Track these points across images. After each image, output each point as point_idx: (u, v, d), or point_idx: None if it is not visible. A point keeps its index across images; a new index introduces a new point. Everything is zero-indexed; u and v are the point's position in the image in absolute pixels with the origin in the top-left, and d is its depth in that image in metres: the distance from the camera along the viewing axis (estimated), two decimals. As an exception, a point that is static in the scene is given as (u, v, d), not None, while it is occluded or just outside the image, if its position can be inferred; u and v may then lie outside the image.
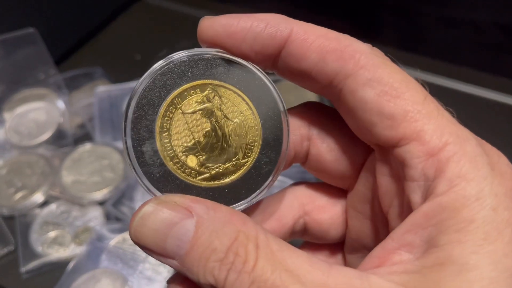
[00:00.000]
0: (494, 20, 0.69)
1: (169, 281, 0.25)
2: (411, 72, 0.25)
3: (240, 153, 0.25)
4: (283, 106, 0.25)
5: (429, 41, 0.75)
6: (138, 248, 0.24)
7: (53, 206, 0.59)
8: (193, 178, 0.25)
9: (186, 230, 0.22)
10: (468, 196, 0.21)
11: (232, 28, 0.25)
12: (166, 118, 0.24)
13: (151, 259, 0.50)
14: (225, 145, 0.25)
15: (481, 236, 0.21)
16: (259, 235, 0.22)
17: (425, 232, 0.22)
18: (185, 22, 0.84)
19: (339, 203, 0.30)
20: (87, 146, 0.62)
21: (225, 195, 0.25)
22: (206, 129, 0.25)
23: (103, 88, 0.69)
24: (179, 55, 0.24)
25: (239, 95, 0.25)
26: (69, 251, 0.54)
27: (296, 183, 0.32)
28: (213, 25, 0.25)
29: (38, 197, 0.59)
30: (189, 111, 0.25)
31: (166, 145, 0.24)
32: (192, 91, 0.25)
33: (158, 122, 0.24)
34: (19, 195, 0.59)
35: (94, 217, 0.57)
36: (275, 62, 0.26)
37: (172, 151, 0.24)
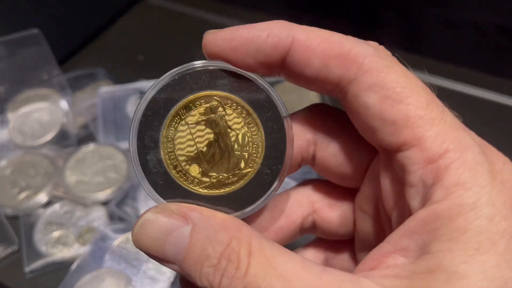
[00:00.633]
0: (495, 21, 0.69)
1: (181, 281, 0.27)
2: (419, 75, 0.25)
3: (242, 163, 0.26)
4: (287, 117, 0.26)
5: (430, 42, 0.75)
6: (141, 249, 0.25)
7: (56, 206, 0.59)
8: (195, 186, 0.25)
9: (182, 237, 0.23)
10: (464, 205, 0.21)
11: (234, 41, 0.25)
12: (171, 128, 0.25)
13: (154, 259, 0.50)
14: (227, 155, 0.26)
15: (474, 246, 0.21)
16: (252, 241, 0.23)
17: (420, 238, 0.22)
18: (188, 23, 0.84)
19: (348, 201, 0.31)
20: (90, 146, 0.63)
21: (226, 204, 0.26)
22: (210, 139, 0.25)
23: (106, 89, 0.69)
24: (185, 67, 0.25)
25: (243, 106, 0.25)
26: (73, 251, 0.55)
27: (305, 181, 0.32)
28: (216, 40, 0.25)
29: (42, 197, 0.59)
30: (193, 121, 0.25)
31: (170, 154, 0.25)
32: (197, 103, 0.25)
33: (163, 132, 0.25)
34: (23, 195, 0.59)
35: (98, 217, 0.57)
36: (280, 69, 0.26)
37: (175, 160, 0.25)
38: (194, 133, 0.25)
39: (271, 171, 0.26)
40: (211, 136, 0.25)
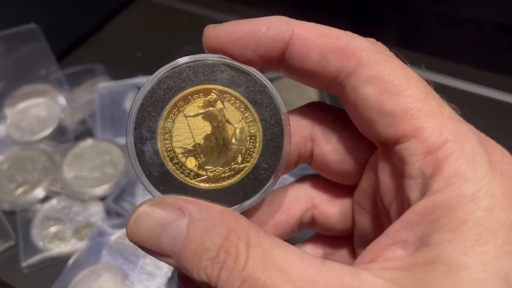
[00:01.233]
0: (495, 19, 0.69)
1: (179, 277, 0.26)
2: (418, 71, 0.25)
3: (239, 157, 0.26)
4: (285, 113, 0.26)
5: (430, 39, 0.75)
6: (138, 244, 0.25)
7: (54, 202, 0.59)
8: (191, 179, 0.25)
9: (179, 230, 0.23)
10: (464, 195, 0.21)
11: (235, 35, 0.25)
12: (169, 120, 0.25)
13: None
14: (224, 149, 0.26)
15: (474, 237, 0.21)
16: (250, 233, 0.22)
17: (419, 230, 0.22)
18: (186, 19, 0.84)
19: (346, 197, 0.31)
20: (88, 142, 0.63)
21: (222, 198, 0.25)
22: (207, 133, 0.25)
23: (104, 85, 0.69)
24: (185, 59, 0.25)
25: (242, 101, 0.25)
26: (70, 246, 0.55)
27: (304, 177, 0.32)
28: (217, 33, 0.25)
29: (39, 192, 0.59)
30: (192, 114, 0.25)
31: (166, 145, 0.25)
32: (195, 95, 0.25)
33: (160, 123, 0.25)
34: (20, 190, 0.59)
35: (95, 212, 0.57)
36: (279, 64, 0.26)
37: (172, 152, 0.25)
38: (192, 125, 0.25)
39: (268, 166, 0.26)
40: (209, 129, 0.25)
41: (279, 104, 0.26)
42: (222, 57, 0.25)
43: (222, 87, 0.25)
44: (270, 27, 0.25)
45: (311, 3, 0.76)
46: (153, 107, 0.25)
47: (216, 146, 0.25)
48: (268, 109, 0.26)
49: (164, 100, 0.25)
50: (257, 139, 0.26)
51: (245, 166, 0.26)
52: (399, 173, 0.24)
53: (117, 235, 0.53)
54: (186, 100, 0.25)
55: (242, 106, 0.25)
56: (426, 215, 0.22)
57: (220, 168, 0.26)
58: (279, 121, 0.26)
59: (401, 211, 0.24)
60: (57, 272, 0.51)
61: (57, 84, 0.69)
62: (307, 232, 0.33)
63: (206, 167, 0.25)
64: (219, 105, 0.25)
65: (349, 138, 0.28)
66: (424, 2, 0.73)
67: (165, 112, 0.25)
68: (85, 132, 0.66)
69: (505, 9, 0.68)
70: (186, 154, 0.25)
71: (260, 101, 0.26)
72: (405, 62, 0.25)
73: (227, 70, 0.25)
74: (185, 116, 0.25)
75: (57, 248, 0.54)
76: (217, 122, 0.25)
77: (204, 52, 0.26)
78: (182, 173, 0.25)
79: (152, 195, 0.25)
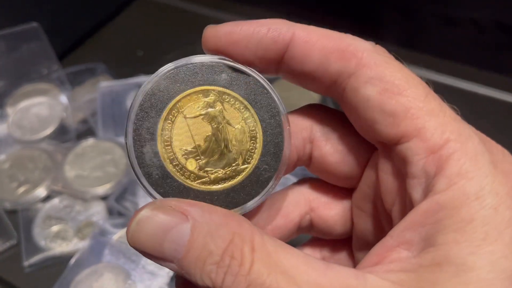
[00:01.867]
0: (495, 18, 0.69)
1: (177, 284, 0.26)
2: (418, 71, 0.25)
3: (240, 159, 0.25)
4: (285, 113, 0.26)
5: (430, 39, 0.75)
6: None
7: (56, 201, 0.59)
8: (192, 181, 0.25)
9: (182, 234, 0.22)
10: (468, 194, 0.21)
11: (235, 35, 0.25)
12: (168, 121, 0.25)
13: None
14: (225, 151, 0.25)
15: (480, 236, 0.21)
16: (254, 236, 0.22)
17: (423, 230, 0.22)
18: (187, 18, 0.84)
19: (345, 200, 0.31)
20: (89, 141, 0.63)
21: (223, 200, 0.25)
22: (207, 134, 0.25)
23: (106, 84, 0.69)
24: (184, 61, 0.25)
25: (241, 102, 0.25)
26: (72, 245, 0.55)
27: (303, 180, 0.32)
28: (217, 34, 0.25)
29: (41, 191, 0.59)
30: (191, 115, 0.25)
31: (166, 147, 0.25)
32: (195, 96, 0.25)
33: (160, 125, 0.25)
34: (21, 189, 0.59)
35: (97, 211, 0.57)
36: (279, 66, 0.26)
37: (172, 153, 0.25)
38: (192, 127, 0.25)
39: (269, 167, 0.26)
40: (209, 130, 0.25)
41: (279, 105, 0.26)
42: (222, 58, 0.25)
43: (222, 88, 0.25)
44: (270, 28, 0.25)
45: (312, 2, 0.76)
46: (152, 108, 0.25)
47: (216, 147, 0.25)
48: (268, 110, 0.26)
49: (163, 101, 0.25)
50: (258, 140, 0.25)
51: (246, 168, 0.25)
52: (401, 174, 0.24)
53: (119, 235, 0.53)
54: (186, 101, 0.25)
55: (242, 107, 0.25)
56: (430, 216, 0.22)
57: (221, 170, 0.25)
58: (279, 121, 0.26)
59: (403, 212, 0.24)
60: (59, 272, 0.51)
61: (59, 83, 0.69)
62: (305, 236, 0.33)
63: (207, 168, 0.25)
64: (218, 106, 0.25)
65: (349, 140, 0.28)
66: (424, 2, 0.73)
67: (164, 114, 0.25)
68: (86, 131, 0.66)
69: (506, 8, 0.68)
70: (186, 156, 0.25)
71: (260, 102, 0.25)
72: (403, 63, 0.25)
73: (227, 71, 0.25)
74: (185, 117, 0.25)
75: (59, 248, 0.54)
76: (217, 123, 0.25)
77: (203, 53, 0.26)
78: (182, 175, 0.25)
79: (152, 197, 0.25)
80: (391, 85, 0.23)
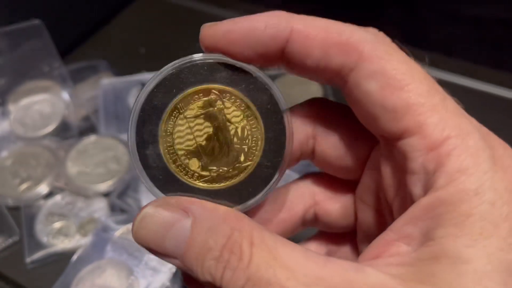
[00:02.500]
0: (496, 15, 0.69)
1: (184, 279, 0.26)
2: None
3: (241, 157, 0.25)
4: (286, 110, 0.26)
5: (432, 35, 0.75)
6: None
7: (58, 197, 0.59)
8: (195, 180, 0.25)
9: (183, 230, 0.23)
10: (467, 190, 0.21)
11: (233, 34, 0.25)
12: (170, 122, 0.25)
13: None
14: (226, 149, 0.25)
15: (478, 230, 0.21)
16: (254, 232, 0.22)
17: (423, 225, 0.22)
18: (189, 15, 0.84)
19: (349, 193, 0.31)
20: (92, 137, 0.63)
21: (226, 198, 0.25)
22: (209, 133, 0.25)
23: (108, 81, 0.69)
24: (182, 60, 0.25)
25: (242, 100, 0.25)
26: (74, 242, 0.55)
27: (306, 175, 0.32)
28: (215, 33, 0.25)
29: (43, 188, 0.59)
30: (192, 115, 0.25)
31: (169, 148, 0.25)
32: (195, 96, 0.25)
33: (161, 127, 0.25)
34: (24, 186, 0.59)
35: (99, 208, 0.57)
36: (280, 60, 0.26)
37: (174, 154, 0.25)
38: (193, 127, 0.25)
39: (271, 164, 0.26)
40: (210, 129, 0.25)
41: (280, 102, 0.25)
42: (221, 56, 0.25)
43: (222, 87, 0.25)
44: (267, 24, 0.24)
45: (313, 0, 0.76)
46: (153, 110, 0.25)
47: (218, 146, 0.25)
48: (269, 107, 0.25)
49: (164, 102, 0.25)
50: (259, 138, 0.26)
51: (248, 165, 0.26)
52: (402, 169, 0.24)
53: (121, 231, 0.53)
54: (186, 101, 0.25)
55: (243, 105, 0.25)
56: (430, 211, 0.22)
57: (224, 168, 0.26)
58: (281, 119, 0.26)
59: (403, 207, 0.25)
60: (61, 268, 0.51)
61: (61, 80, 0.69)
62: (311, 230, 0.33)
63: (209, 167, 0.25)
64: (219, 104, 0.25)
65: (351, 133, 0.28)
66: (426, -2, 0.73)
67: (165, 115, 0.25)
68: (88, 128, 0.66)
69: (507, 5, 0.68)
70: (188, 156, 0.25)
71: (261, 99, 0.25)
72: (408, 54, 0.24)
73: (226, 69, 0.25)
74: (186, 117, 0.25)
75: (61, 244, 0.55)
76: (218, 122, 0.25)
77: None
78: (185, 174, 0.25)
79: (156, 198, 0.25)
80: (392, 79, 0.23)
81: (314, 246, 0.34)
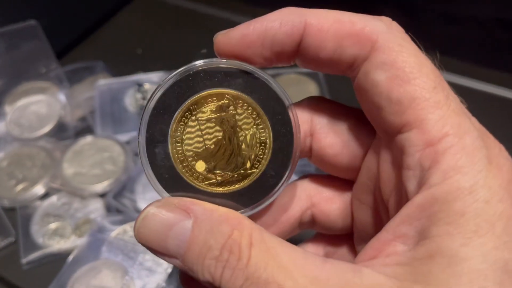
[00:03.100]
0: (496, 16, 0.69)
1: (181, 280, 0.27)
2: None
3: (248, 163, 0.26)
4: (296, 122, 0.26)
5: (432, 37, 0.75)
6: (138, 240, 0.25)
7: (54, 198, 0.59)
8: (200, 182, 0.26)
9: (184, 230, 0.23)
10: (462, 188, 0.21)
11: (248, 37, 0.25)
12: (181, 123, 0.25)
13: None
14: (234, 154, 0.26)
15: (472, 228, 0.21)
16: (253, 233, 0.23)
17: (418, 224, 0.22)
18: (186, 16, 0.84)
19: (345, 194, 0.31)
20: (88, 138, 0.63)
21: (229, 202, 0.26)
22: (218, 137, 0.25)
23: (104, 82, 0.69)
24: (200, 63, 0.25)
25: (254, 107, 0.25)
26: (70, 242, 0.55)
27: (304, 176, 0.32)
28: (229, 39, 0.25)
29: (39, 189, 0.59)
30: (204, 118, 0.25)
31: (177, 148, 0.25)
32: (208, 99, 0.25)
33: (172, 126, 0.25)
34: (20, 187, 0.59)
35: (95, 209, 0.57)
36: (295, 56, 0.26)
37: (183, 154, 0.25)
38: (204, 129, 0.25)
39: (276, 174, 0.26)
40: (220, 134, 0.25)
41: (291, 114, 0.26)
42: (237, 62, 0.25)
43: (236, 93, 0.25)
44: (282, 22, 0.25)
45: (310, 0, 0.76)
46: (166, 109, 0.25)
47: (226, 150, 0.26)
48: (279, 117, 0.26)
49: (177, 103, 0.25)
50: (267, 146, 0.26)
51: (253, 172, 0.26)
52: (398, 165, 0.25)
53: (116, 232, 0.53)
54: (199, 104, 0.25)
55: (254, 113, 0.26)
56: (425, 209, 0.22)
57: (229, 173, 0.26)
58: (290, 130, 0.26)
59: (399, 204, 0.25)
60: (57, 269, 0.51)
61: (57, 81, 0.69)
62: (308, 232, 0.33)
63: (215, 171, 0.26)
64: (231, 110, 0.25)
65: (347, 132, 0.28)
66: (426, -1, 0.73)
67: (177, 115, 0.25)
68: (85, 129, 0.66)
69: (507, 5, 0.68)
70: (196, 158, 0.25)
71: (273, 109, 0.26)
72: (419, 47, 0.25)
73: (242, 75, 0.25)
74: (197, 119, 0.25)
75: (57, 245, 0.55)
76: (229, 127, 0.26)
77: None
78: (191, 176, 0.26)
79: (161, 196, 0.25)
80: (401, 72, 0.23)
81: (312, 248, 0.34)
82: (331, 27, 0.24)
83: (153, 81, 0.68)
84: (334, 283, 0.21)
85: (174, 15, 0.85)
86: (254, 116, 0.26)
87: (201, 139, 0.25)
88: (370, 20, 0.25)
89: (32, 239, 0.55)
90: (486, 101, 0.67)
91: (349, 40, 0.24)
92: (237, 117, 0.25)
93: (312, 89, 0.67)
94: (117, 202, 0.57)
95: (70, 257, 0.52)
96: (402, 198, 0.24)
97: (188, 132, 0.25)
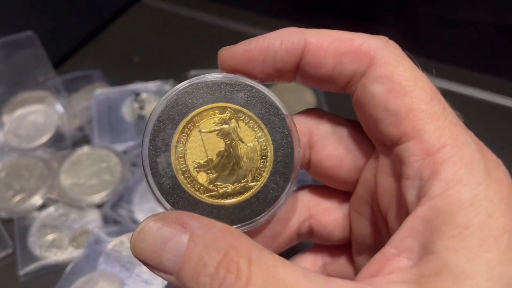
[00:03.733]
0: (493, 21, 0.69)
1: None
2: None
3: (249, 176, 0.26)
4: (298, 137, 0.26)
5: (428, 42, 0.75)
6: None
7: (51, 209, 0.58)
8: (201, 194, 0.26)
9: (179, 245, 0.22)
10: (463, 200, 0.21)
11: (251, 53, 0.26)
12: (184, 134, 0.26)
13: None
14: (235, 167, 0.26)
15: (477, 243, 0.21)
16: (252, 250, 0.22)
17: (422, 237, 0.22)
18: (183, 24, 0.84)
19: (343, 205, 0.31)
20: (85, 148, 0.62)
21: (229, 215, 0.26)
22: (220, 149, 0.26)
23: (102, 91, 0.69)
24: (204, 77, 0.26)
25: (256, 121, 0.26)
26: (67, 254, 0.54)
27: (301, 187, 0.32)
28: (233, 54, 0.26)
29: (37, 200, 0.59)
30: (206, 130, 0.26)
31: (179, 159, 0.26)
32: (211, 112, 0.26)
33: (175, 137, 0.26)
34: (17, 198, 0.59)
35: (92, 219, 0.57)
36: (295, 73, 0.27)
37: (184, 165, 0.26)
38: (206, 141, 0.26)
39: (277, 187, 0.26)
40: (222, 146, 0.26)
41: (292, 128, 0.26)
42: (240, 77, 0.26)
43: (238, 106, 0.26)
44: (283, 40, 0.26)
45: (307, 5, 0.76)
46: (169, 120, 0.26)
47: (227, 163, 0.26)
48: (280, 131, 0.26)
49: (180, 114, 0.26)
50: (268, 159, 0.26)
51: (255, 185, 0.26)
52: (397, 176, 0.25)
53: (113, 243, 0.53)
54: (202, 116, 0.26)
55: (256, 126, 0.26)
56: (428, 222, 0.22)
57: (230, 185, 0.26)
58: (291, 143, 0.26)
59: (398, 215, 0.25)
60: (54, 280, 0.51)
61: (55, 91, 0.69)
62: (305, 242, 0.33)
63: (217, 183, 0.26)
64: (233, 123, 0.26)
65: (346, 144, 0.28)
66: (422, 4, 0.72)
67: (180, 126, 0.26)
68: (82, 138, 0.66)
69: (504, 10, 0.68)
70: (198, 169, 0.26)
71: (273, 123, 0.26)
72: (416, 64, 0.25)
73: (244, 90, 0.26)
74: (200, 131, 0.26)
75: (54, 256, 0.54)
76: (231, 140, 0.26)
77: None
78: (192, 187, 0.26)
79: (161, 206, 0.26)
80: (398, 85, 0.24)
81: (310, 259, 0.34)
82: (330, 45, 0.25)
83: (151, 91, 0.68)
84: None
85: (172, 23, 0.85)
86: (255, 129, 0.26)
87: (203, 150, 0.26)
88: (368, 37, 0.25)
89: (29, 250, 0.55)
90: (483, 108, 0.67)
91: (348, 57, 0.25)
92: (238, 130, 0.26)
93: (308, 97, 0.67)
94: (114, 213, 0.57)
95: (67, 269, 0.51)
96: (402, 209, 0.24)
97: (191, 143, 0.26)
